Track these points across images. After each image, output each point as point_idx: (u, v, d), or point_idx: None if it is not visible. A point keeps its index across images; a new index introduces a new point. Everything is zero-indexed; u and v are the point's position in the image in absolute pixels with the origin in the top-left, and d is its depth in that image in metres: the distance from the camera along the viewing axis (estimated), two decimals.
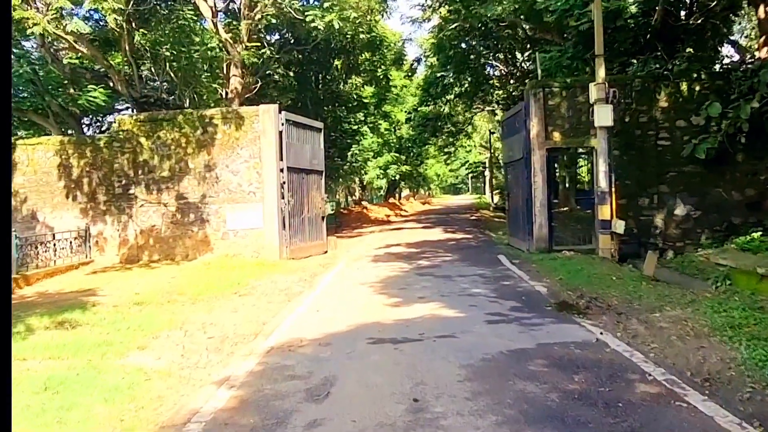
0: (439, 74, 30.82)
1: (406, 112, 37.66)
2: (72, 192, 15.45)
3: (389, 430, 4.14)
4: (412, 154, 43.59)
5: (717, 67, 17.35)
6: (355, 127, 31.69)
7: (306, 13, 17.70)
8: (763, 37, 14.89)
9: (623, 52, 16.30)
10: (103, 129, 24.45)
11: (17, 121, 20.88)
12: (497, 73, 31.58)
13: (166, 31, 16.71)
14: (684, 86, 14.20)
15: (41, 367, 6.06)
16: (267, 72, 20.31)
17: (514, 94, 27.53)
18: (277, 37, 23.59)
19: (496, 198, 46.65)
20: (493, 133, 46.38)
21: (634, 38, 16.42)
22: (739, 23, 25.54)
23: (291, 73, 24.42)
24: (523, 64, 29.05)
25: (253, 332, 7.47)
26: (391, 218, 35.67)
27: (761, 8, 14.87)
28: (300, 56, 23.59)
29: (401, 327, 7.17)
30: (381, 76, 28.40)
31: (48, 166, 15.57)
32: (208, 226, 15.25)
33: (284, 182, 14.89)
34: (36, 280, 12.64)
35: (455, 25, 23.61)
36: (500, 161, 50.12)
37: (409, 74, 33.43)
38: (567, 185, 26.94)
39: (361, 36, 20.68)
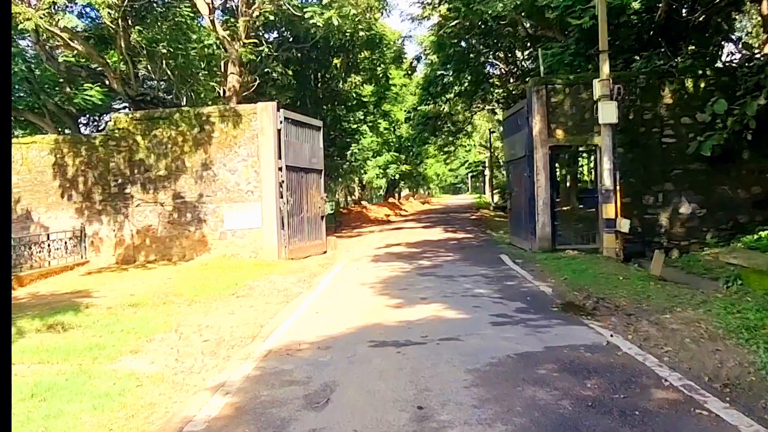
0: (438, 73, 30.65)
1: (405, 111, 37.46)
2: (67, 191, 15.19)
3: None
4: (411, 153, 43.37)
5: (720, 63, 17.19)
6: (355, 126, 31.45)
7: (305, 10, 17.46)
8: None
9: (626, 49, 16.10)
10: (100, 128, 24.15)
11: (13, 120, 20.63)
12: (497, 71, 31.38)
13: (163, 29, 16.46)
14: (689, 83, 13.98)
15: (29, 372, 5.82)
16: (265, 70, 20.05)
17: (514, 92, 27.29)
18: (275, 35, 23.35)
19: (496, 197, 46.45)
20: (493, 132, 46.21)
21: (637, 35, 16.23)
22: (740, 21, 25.34)
23: (290, 72, 24.17)
24: (523, 63, 28.87)
25: (251, 335, 7.23)
26: (391, 218, 35.44)
27: (764, 4, 14.66)
28: (299, 54, 23.34)
29: (404, 329, 6.93)
30: (380, 75, 28.18)
31: (42, 165, 15.31)
32: (206, 225, 15.00)
33: (283, 181, 14.65)
34: (30, 282, 12.39)
35: (455, 22, 23.38)
36: (500, 161, 50.20)
37: (409, 72, 33.20)
38: (567, 184, 26.70)
39: (361, 34, 20.46)
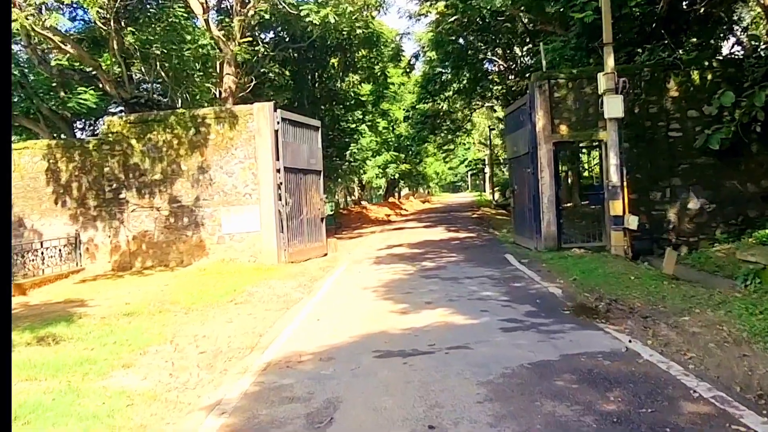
0: (437, 70, 30.34)
1: (404, 109, 37.17)
2: (61, 197, 14.86)
3: None
4: (410, 152, 43.06)
5: (722, 56, 16.89)
6: (353, 125, 31.13)
7: (300, 8, 17.12)
8: None
9: (628, 42, 15.75)
10: (96, 132, 23.83)
11: None
12: (496, 68, 31.08)
13: (157, 30, 16.13)
14: (695, 75, 13.65)
15: (15, 390, 5.49)
16: (262, 70, 19.75)
17: (513, 89, 26.98)
18: (271, 35, 23.01)
19: (497, 195, 46.13)
20: (493, 129, 45.91)
21: (639, 27, 15.89)
22: (740, 13, 25.05)
23: (287, 72, 23.89)
24: (522, 59, 28.57)
25: (249, 345, 6.91)
26: (392, 218, 35.10)
27: None
28: (296, 54, 23.03)
29: (409, 337, 6.60)
30: (378, 73, 27.82)
31: (35, 171, 14.96)
32: (203, 230, 14.67)
33: (281, 183, 14.32)
34: (22, 291, 12.05)
35: (453, 18, 23.06)
36: (500, 158, 49.90)
37: (407, 71, 32.87)
38: (569, 181, 26.38)
39: (358, 32, 20.09)
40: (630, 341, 5.86)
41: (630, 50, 15.64)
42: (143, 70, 17.05)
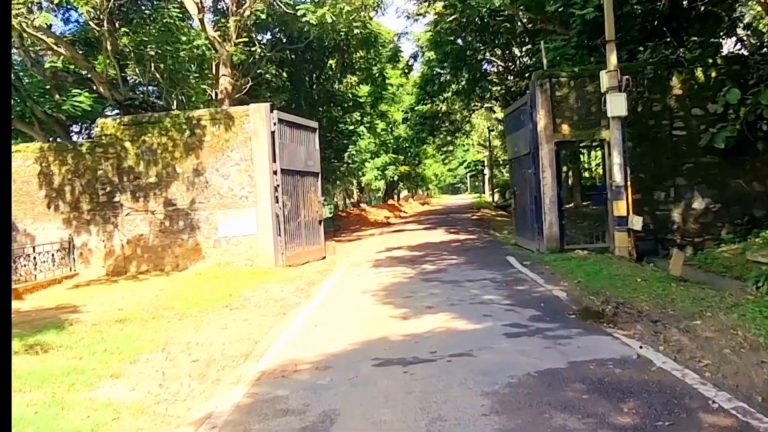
0: (435, 71, 30.12)
1: (402, 111, 36.94)
2: (54, 201, 14.59)
3: None
4: (409, 154, 42.83)
5: (724, 54, 16.65)
6: (352, 127, 30.86)
7: (297, 8, 16.88)
8: None
9: (630, 40, 15.52)
10: (92, 136, 23.56)
11: None
12: (495, 69, 30.88)
13: (152, 31, 15.86)
14: (699, 72, 13.40)
15: None
16: (259, 71, 19.48)
17: (513, 90, 26.74)
18: (269, 36, 22.75)
19: (497, 196, 45.91)
20: (492, 130, 45.71)
21: (641, 25, 15.67)
22: (740, 12, 24.86)
23: (284, 73, 23.63)
24: (521, 59, 28.36)
25: (243, 353, 6.64)
26: (391, 220, 34.83)
27: None
28: (293, 56, 22.77)
29: (410, 344, 6.35)
30: (377, 75, 27.55)
31: (27, 175, 14.69)
32: (199, 233, 14.41)
33: (278, 185, 14.07)
34: (14, 297, 11.78)
35: (452, 18, 22.83)
36: (499, 159, 49.66)
37: (406, 71, 32.63)
38: (570, 181, 26.14)
39: (356, 32, 19.84)
40: (641, 347, 5.60)
41: (632, 48, 15.42)
42: (138, 71, 16.76)
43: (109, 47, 15.05)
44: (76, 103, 19.04)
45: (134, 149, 14.46)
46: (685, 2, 16.21)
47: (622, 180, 12.11)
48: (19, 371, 6.12)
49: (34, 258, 13.24)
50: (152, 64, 15.99)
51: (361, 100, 30.09)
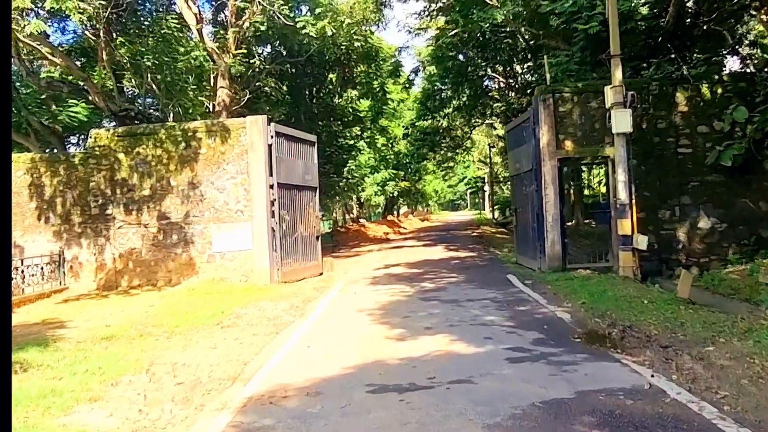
0: (437, 87, 29.99)
1: (403, 127, 36.79)
2: (44, 213, 14.24)
3: None
4: (410, 170, 42.62)
5: (727, 71, 16.49)
6: (351, 142, 30.65)
7: (297, 20, 16.70)
8: None
9: (633, 57, 15.33)
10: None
11: None
12: (496, 85, 30.74)
13: (149, 41, 15.67)
14: (705, 89, 13.17)
15: None
16: (258, 84, 19.26)
17: (514, 106, 26.55)
18: (268, 49, 22.61)
19: (497, 213, 45.62)
20: (493, 147, 45.53)
21: (644, 41, 15.49)
22: (743, 31, 24.81)
23: (284, 87, 23.44)
24: (522, 76, 28.24)
25: (231, 376, 6.30)
26: (390, 236, 34.48)
27: None
28: (293, 69, 22.57)
29: (407, 369, 6.00)
30: (377, 89, 27.35)
31: (18, 186, 14.33)
32: (193, 248, 14.06)
33: (274, 199, 13.76)
34: None
35: (453, 33, 22.70)
36: (500, 176, 49.46)
37: (407, 86, 32.46)
38: (571, 198, 25.88)
39: (356, 44, 19.65)
40: (652, 376, 5.26)
41: (636, 64, 15.23)
42: (135, 82, 16.55)
43: (105, 57, 14.84)
44: (73, 114, 18.85)
45: (128, 161, 14.15)
46: (688, 20, 16.07)
47: (627, 198, 11.82)
48: None
49: (22, 271, 12.89)
50: (149, 75, 15.79)
51: (361, 115, 29.89)
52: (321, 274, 15.63)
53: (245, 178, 13.81)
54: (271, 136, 13.77)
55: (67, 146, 21.83)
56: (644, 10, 15.32)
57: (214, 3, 21.28)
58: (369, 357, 6.58)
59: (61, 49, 16.32)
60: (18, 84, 18.25)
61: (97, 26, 13.99)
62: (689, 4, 16.30)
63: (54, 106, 18.67)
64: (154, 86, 16.08)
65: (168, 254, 14.10)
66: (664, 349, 6.14)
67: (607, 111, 12.08)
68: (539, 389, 5.07)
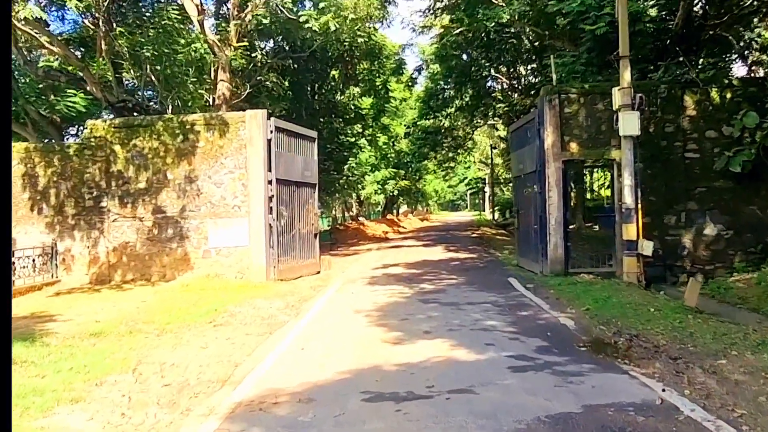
0: (439, 85, 29.72)
1: (405, 125, 36.55)
2: (37, 204, 13.96)
3: None
4: (410, 169, 42.38)
5: (732, 76, 16.26)
6: (352, 139, 30.38)
7: (300, 14, 16.42)
8: None
9: (641, 59, 15.08)
10: None
11: None
12: (499, 86, 30.50)
13: (149, 32, 15.38)
14: (714, 93, 12.92)
15: None
16: (259, 79, 18.98)
17: (517, 107, 26.30)
18: (271, 44, 22.32)
19: (497, 215, 45.39)
20: (494, 148, 45.29)
21: (653, 44, 15.24)
22: (750, 37, 24.61)
23: (285, 82, 23.17)
24: (526, 78, 28.01)
25: (221, 378, 6.03)
26: (389, 235, 34.23)
27: None
28: (295, 64, 22.30)
29: (404, 375, 5.73)
30: (380, 87, 27.10)
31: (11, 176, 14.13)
32: (188, 243, 13.79)
33: (272, 195, 13.49)
34: None
35: (458, 31, 22.44)
36: (501, 178, 49.22)
37: (410, 84, 32.21)
38: (573, 201, 25.61)
39: (360, 41, 19.37)
40: (663, 390, 4.99)
41: (643, 67, 14.98)
42: (133, 73, 16.26)
43: (104, 47, 14.56)
44: (71, 104, 18.56)
45: (124, 153, 13.88)
46: (696, 23, 15.81)
47: (632, 202, 11.55)
48: None
49: (14, 263, 12.59)
50: (149, 67, 15.51)
51: (363, 113, 29.66)
52: (318, 272, 15.37)
53: (243, 173, 13.54)
54: (271, 131, 13.51)
55: (66, 137, 21.51)
56: (653, 12, 15.06)
57: None
58: (365, 361, 6.31)
59: (59, 38, 16.00)
60: (16, 73, 17.96)
61: (97, 15, 13.70)
62: (697, 8, 16.07)
63: (52, 96, 18.38)
64: (153, 78, 15.78)
65: (163, 249, 13.83)
66: (674, 360, 5.88)
67: (614, 113, 11.84)
68: (544, 402, 4.80)
